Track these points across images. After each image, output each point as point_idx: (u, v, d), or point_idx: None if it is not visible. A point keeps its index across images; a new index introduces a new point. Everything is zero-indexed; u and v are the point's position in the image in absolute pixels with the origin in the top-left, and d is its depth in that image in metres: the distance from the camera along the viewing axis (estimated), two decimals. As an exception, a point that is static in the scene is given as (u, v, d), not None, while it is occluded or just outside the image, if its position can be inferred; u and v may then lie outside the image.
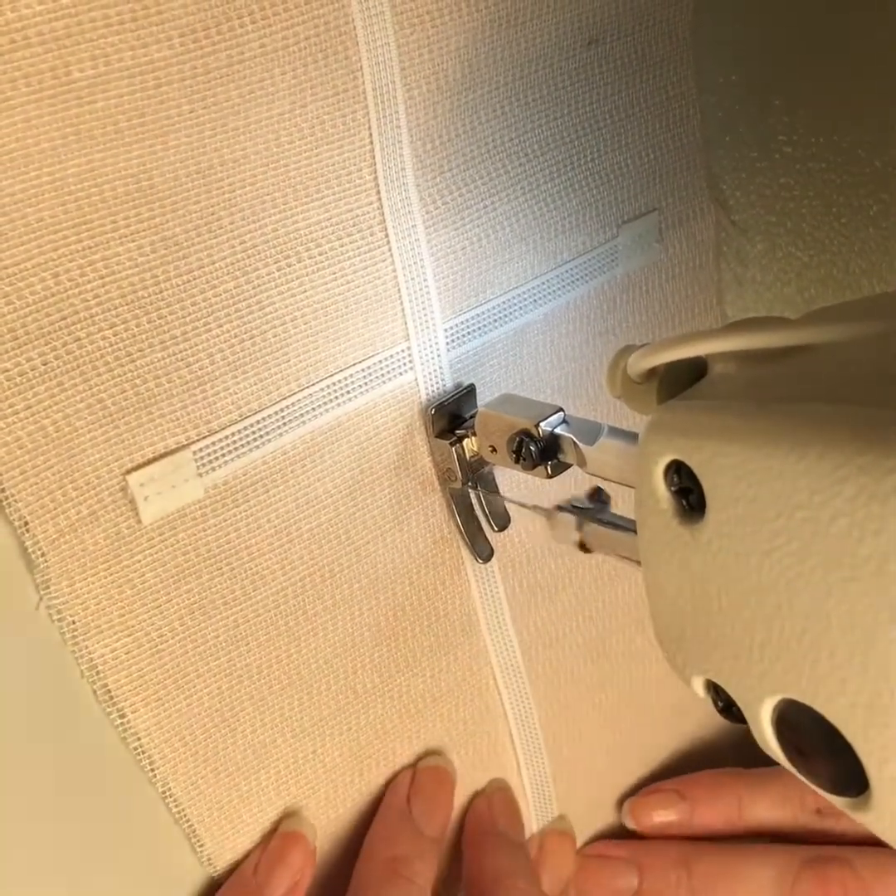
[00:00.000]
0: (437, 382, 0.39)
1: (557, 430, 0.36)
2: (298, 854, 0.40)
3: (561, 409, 0.37)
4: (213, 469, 0.35)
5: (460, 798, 0.46)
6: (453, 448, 0.40)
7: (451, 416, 0.40)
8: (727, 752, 0.52)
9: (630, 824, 0.51)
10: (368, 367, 0.38)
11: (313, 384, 0.36)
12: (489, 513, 0.42)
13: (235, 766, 0.38)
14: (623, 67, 0.40)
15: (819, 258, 0.45)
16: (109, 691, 0.35)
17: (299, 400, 0.36)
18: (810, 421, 0.23)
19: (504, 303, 0.40)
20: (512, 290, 0.40)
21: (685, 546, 0.27)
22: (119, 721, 0.35)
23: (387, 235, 0.36)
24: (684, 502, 0.26)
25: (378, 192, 0.36)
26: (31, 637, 0.33)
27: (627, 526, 0.36)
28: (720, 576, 0.26)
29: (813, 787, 0.26)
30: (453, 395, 0.40)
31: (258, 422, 0.35)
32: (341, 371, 0.37)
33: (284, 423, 0.36)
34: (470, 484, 0.41)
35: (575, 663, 0.48)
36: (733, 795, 0.49)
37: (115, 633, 0.34)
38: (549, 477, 0.37)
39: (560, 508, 0.38)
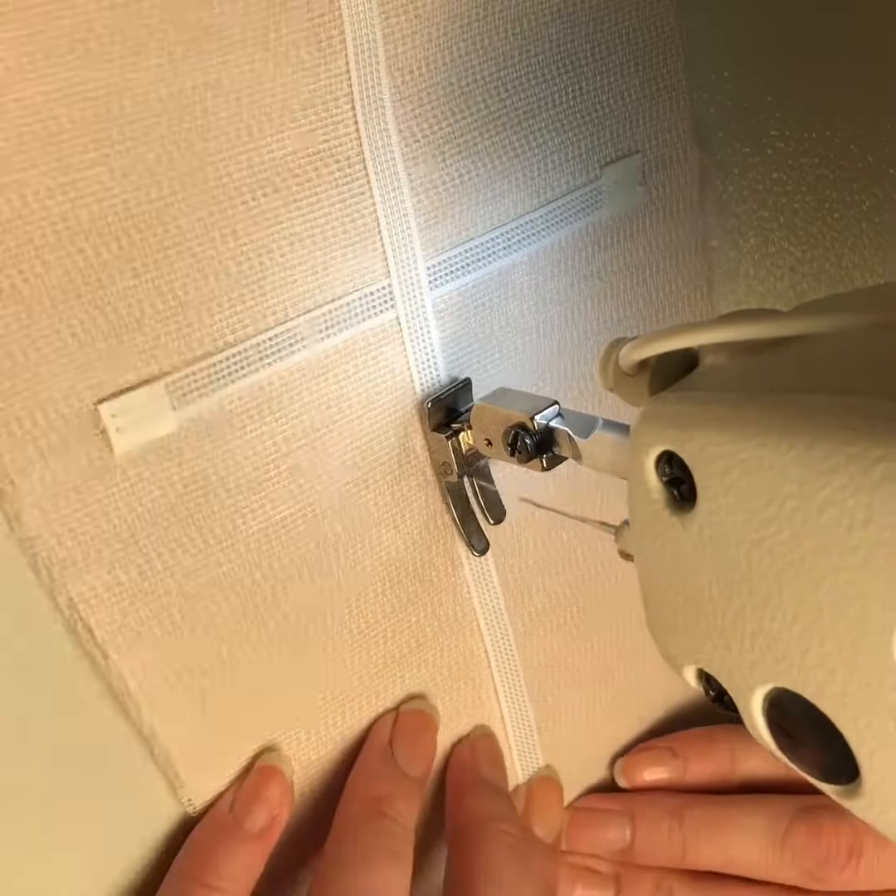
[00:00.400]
0: (420, 323, 0.39)
1: (553, 423, 0.36)
2: (275, 788, 0.39)
3: (556, 403, 0.37)
4: (188, 402, 0.34)
5: (444, 744, 0.46)
6: (449, 441, 0.40)
7: (448, 409, 0.40)
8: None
9: (622, 782, 0.51)
10: (348, 304, 0.37)
11: (291, 319, 0.36)
12: (485, 505, 0.42)
13: (219, 708, 0.38)
14: (606, 5, 0.40)
15: (812, 253, 0.45)
16: (91, 631, 0.34)
17: (277, 335, 0.35)
18: (800, 411, 0.23)
19: (487, 242, 0.40)
20: (495, 228, 0.40)
21: (676, 536, 0.27)
22: (103, 662, 0.35)
23: (365, 168, 0.36)
24: (676, 492, 0.27)
25: (356, 123, 0.35)
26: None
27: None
28: (711, 565, 0.26)
29: (803, 774, 0.26)
30: (449, 389, 0.40)
31: (234, 355, 0.35)
32: (320, 306, 0.36)
33: (261, 358, 0.35)
34: (466, 477, 0.41)
35: (560, 612, 0.48)
36: (726, 752, 0.49)
37: (94, 569, 0.34)
38: (545, 470, 0.37)
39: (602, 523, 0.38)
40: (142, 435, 0.33)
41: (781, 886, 0.46)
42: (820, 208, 0.45)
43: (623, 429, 0.34)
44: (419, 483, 0.41)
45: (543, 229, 0.41)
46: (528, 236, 0.41)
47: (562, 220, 0.41)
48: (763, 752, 0.48)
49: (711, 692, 0.28)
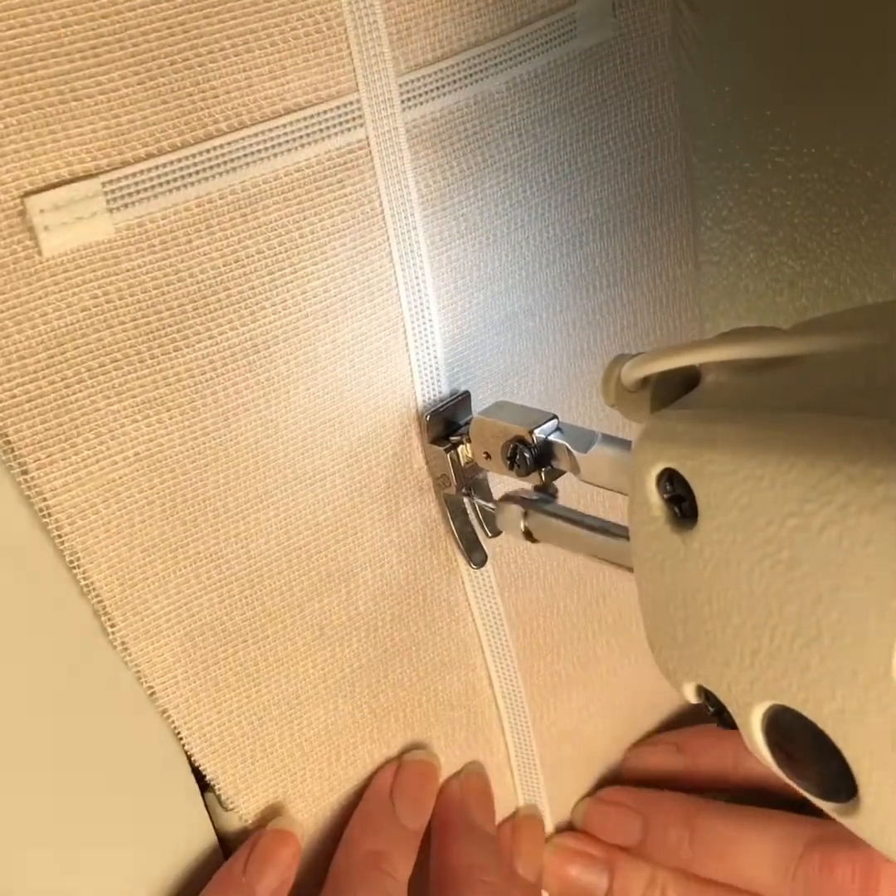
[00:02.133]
0: (392, 147, 0.36)
1: (551, 437, 0.36)
2: (287, 852, 0.40)
3: (555, 417, 0.37)
4: (126, 206, 0.31)
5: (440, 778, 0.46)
6: (448, 454, 0.40)
7: (446, 422, 0.40)
8: None
9: (626, 776, 0.51)
10: (311, 116, 0.34)
11: (246, 127, 0.33)
12: (483, 518, 0.42)
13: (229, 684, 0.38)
14: None
15: (811, 268, 0.46)
16: (10, 441, 0.32)
17: (228, 142, 0.33)
18: (802, 431, 0.23)
19: (463, 62, 0.37)
20: (470, 48, 0.37)
21: (677, 553, 0.27)
22: (24, 480, 0.33)
23: None
24: (677, 510, 0.27)
25: None
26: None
27: (571, 517, 0.37)
28: (712, 583, 0.26)
29: (802, 791, 0.26)
30: (449, 402, 0.40)
31: (180, 160, 0.32)
32: (280, 116, 0.33)
33: (211, 167, 0.33)
34: (464, 491, 0.41)
35: (561, 623, 0.48)
36: (730, 749, 0.49)
37: (16, 377, 0.31)
38: (543, 484, 0.37)
39: (507, 498, 0.38)
40: (74, 237, 0.31)
41: None
42: (819, 223, 0.45)
43: (622, 444, 0.34)
44: (417, 495, 0.41)
45: (519, 55, 0.39)
46: (503, 61, 0.38)
47: (537, 48, 0.39)
48: None
49: (711, 708, 0.28)
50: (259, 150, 0.33)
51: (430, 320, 0.39)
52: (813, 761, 0.25)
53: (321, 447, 0.38)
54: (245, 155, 0.33)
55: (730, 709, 0.27)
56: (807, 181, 0.45)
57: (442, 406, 0.40)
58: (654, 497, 0.27)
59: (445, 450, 0.40)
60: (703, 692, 0.28)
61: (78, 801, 0.36)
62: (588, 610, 0.49)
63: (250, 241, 0.34)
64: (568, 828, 0.51)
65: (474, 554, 0.43)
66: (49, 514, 0.33)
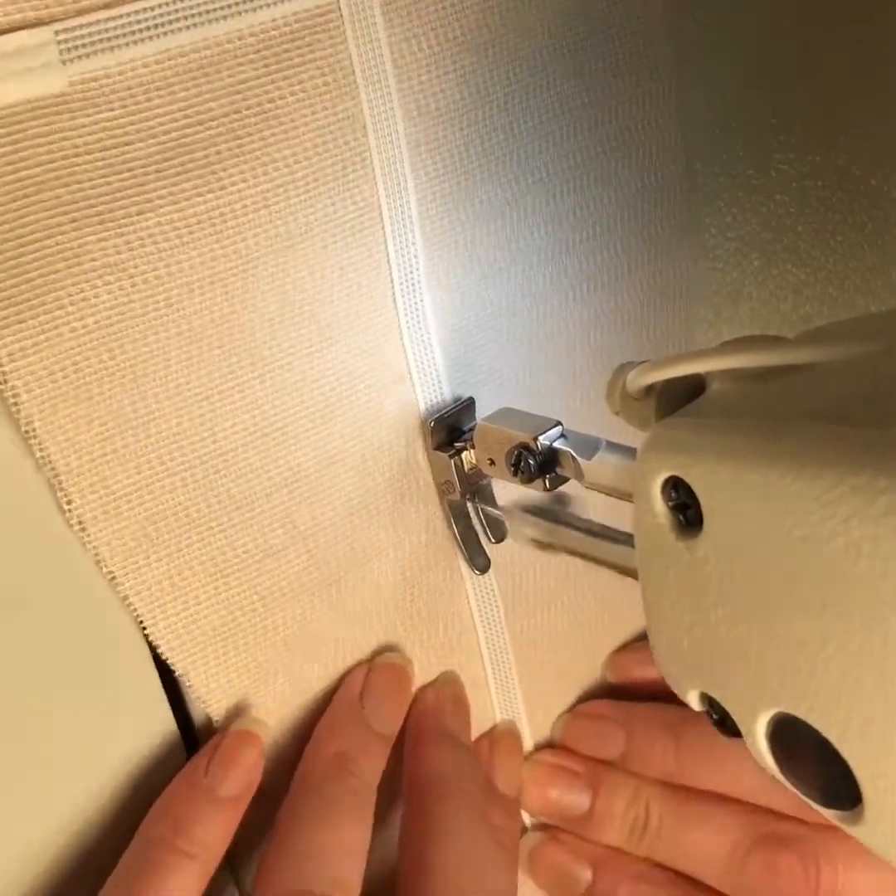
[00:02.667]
0: (365, 18, 0.34)
1: (556, 444, 0.37)
2: (251, 752, 0.38)
3: (559, 423, 0.37)
4: (80, 58, 0.30)
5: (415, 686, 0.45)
6: (452, 460, 0.40)
7: (450, 428, 0.40)
8: None
9: (611, 678, 0.50)
10: None
11: None
12: (487, 524, 0.43)
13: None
14: None
15: (815, 275, 0.46)
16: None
17: None
18: (806, 440, 0.23)
19: None
20: None
21: (681, 561, 0.27)
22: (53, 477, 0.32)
23: None
24: (682, 517, 0.27)
25: None
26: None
27: (581, 526, 0.37)
28: (716, 591, 0.26)
29: (806, 799, 0.26)
30: (453, 408, 0.40)
31: (138, 12, 0.30)
32: None
33: (170, 21, 0.31)
34: (468, 496, 0.41)
35: (561, 630, 0.47)
36: None
37: None
38: (547, 490, 0.37)
39: (519, 507, 0.38)
40: (24, 88, 0.29)
41: (772, 813, 0.44)
42: (823, 230, 0.45)
43: (626, 451, 0.34)
44: (421, 501, 0.41)
45: None
46: None
47: None
48: None
49: (715, 716, 0.28)
50: (221, 7, 0.32)
51: (418, 266, 0.38)
52: (817, 769, 0.25)
53: (293, 337, 0.36)
54: (207, 11, 0.32)
55: (734, 716, 0.27)
56: (811, 188, 0.45)
57: (446, 412, 0.40)
58: (659, 505, 0.27)
59: (449, 456, 0.40)
60: (707, 699, 0.28)
61: (32, 693, 0.35)
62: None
63: (214, 103, 0.32)
64: (549, 746, 0.50)
65: (477, 559, 0.43)
66: (5, 381, 0.32)
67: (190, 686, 0.38)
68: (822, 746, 0.24)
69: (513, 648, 0.47)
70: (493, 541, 0.43)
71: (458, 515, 0.42)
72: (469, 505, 0.42)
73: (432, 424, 0.40)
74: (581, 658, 0.49)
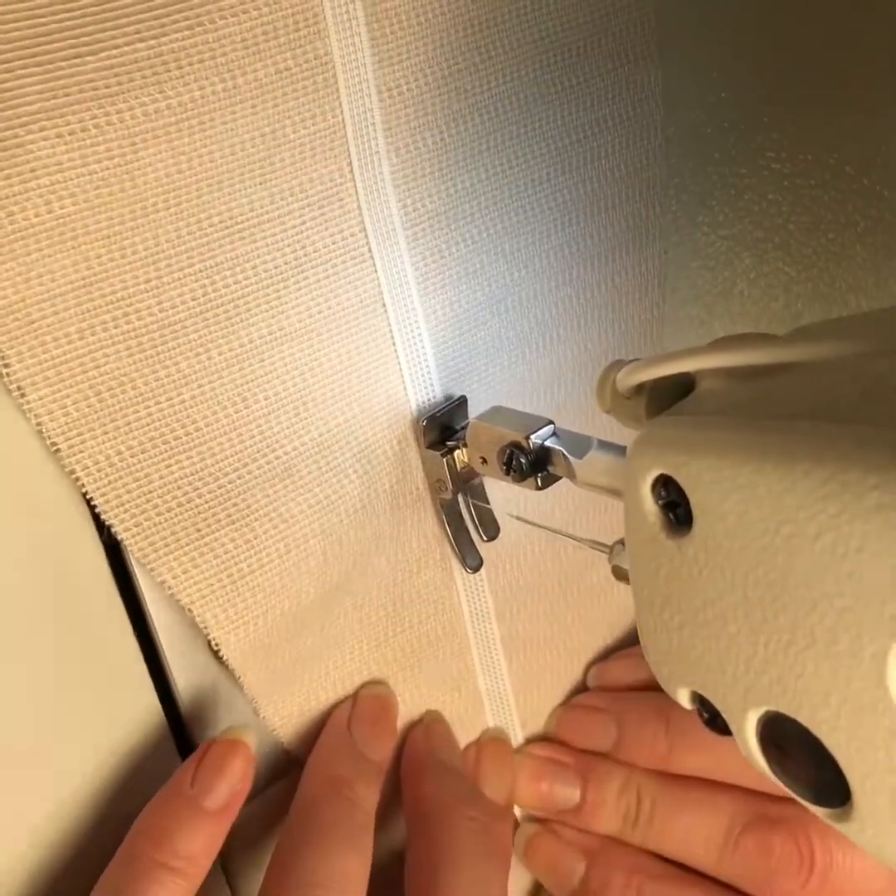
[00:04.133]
0: None
1: (547, 443, 0.37)
2: (238, 762, 0.37)
3: (551, 422, 0.37)
4: None
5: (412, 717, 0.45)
6: (444, 459, 0.40)
7: (443, 427, 0.40)
8: None
9: (592, 685, 0.50)
10: None
11: None
12: (479, 522, 0.43)
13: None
14: None
15: (806, 274, 0.46)
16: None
17: None
18: (796, 438, 0.23)
19: None
20: None
21: (672, 559, 0.27)
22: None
23: None
24: (671, 516, 0.27)
25: None
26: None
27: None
28: (706, 589, 0.26)
29: (796, 796, 0.26)
30: (445, 407, 0.40)
31: None
32: None
33: None
34: (460, 494, 0.41)
35: (551, 630, 0.47)
36: None
37: None
38: (539, 489, 0.37)
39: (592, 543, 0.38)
40: None
41: (765, 795, 0.44)
42: (815, 229, 0.45)
43: (617, 449, 0.34)
44: (413, 499, 0.41)
45: None
46: None
47: None
48: None
49: (705, 714, 0.28)
50: None
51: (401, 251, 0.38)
52: (807, 767, 0.25)
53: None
54: None
55: (724, 715, 0.27)
56: (802, 187, 0.45)
57: (438, 411, 0.40)
58: (649, 503, 0.27)
59: (442, 455, 0.40)
60: (697, 698, 0.28)
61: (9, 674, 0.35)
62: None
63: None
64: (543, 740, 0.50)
65: (469, 557, 0.43)
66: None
67: (151, 570, 0.36)
68: (811, 745, 0.24)
69: (503, 647, 0.47)
70: (486, 539, 0.43)
71: (450, 514, 0.42)
72: (461, 503, 0.42)
73: (424, 423, 0.40)
74: (571, 657, 0.50)
